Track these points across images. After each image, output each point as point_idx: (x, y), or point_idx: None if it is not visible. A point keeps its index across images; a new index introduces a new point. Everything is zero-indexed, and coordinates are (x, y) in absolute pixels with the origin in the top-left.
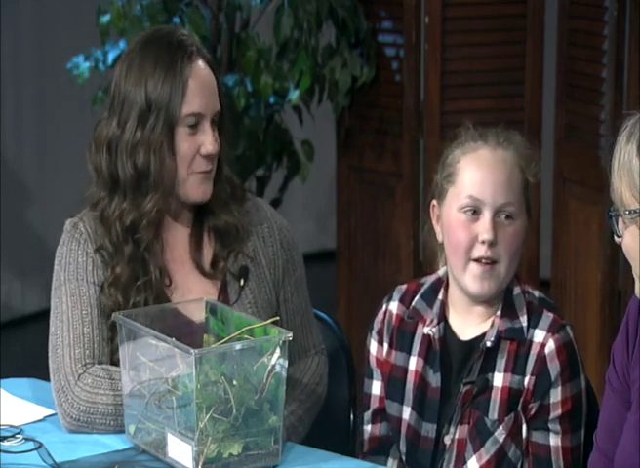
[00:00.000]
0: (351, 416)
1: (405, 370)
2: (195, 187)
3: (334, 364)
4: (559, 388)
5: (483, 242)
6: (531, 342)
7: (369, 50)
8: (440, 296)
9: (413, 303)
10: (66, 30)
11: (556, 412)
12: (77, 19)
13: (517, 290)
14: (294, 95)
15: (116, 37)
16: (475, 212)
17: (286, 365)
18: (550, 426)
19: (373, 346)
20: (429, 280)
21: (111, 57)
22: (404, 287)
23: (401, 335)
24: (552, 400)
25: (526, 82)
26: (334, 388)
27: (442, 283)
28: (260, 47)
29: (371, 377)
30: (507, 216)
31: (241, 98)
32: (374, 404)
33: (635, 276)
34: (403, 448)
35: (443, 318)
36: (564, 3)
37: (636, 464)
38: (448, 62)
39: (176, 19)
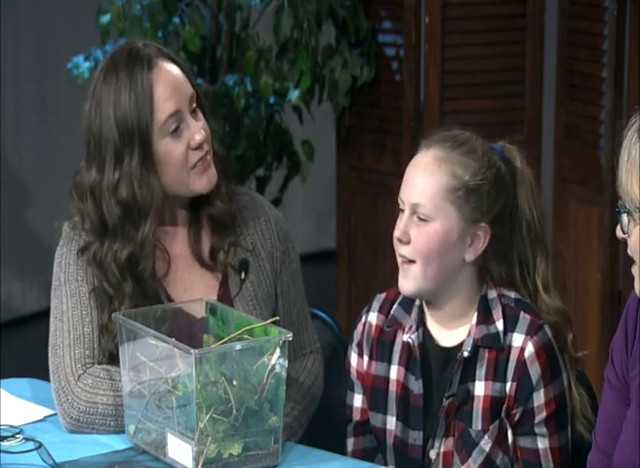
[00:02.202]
0: None
1: (386, 380)
2: (199, 180)
3: (333, 363)
4: (542, 391)
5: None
6: (510, 347)
7: (369, 50)
8: (417, 302)
9: (392, 311)
10: (66, 30)
11: (541, 415)
12: (77, 19)
13: (492, 293)
14: (294, 95)
15: (116, 37)
16: (404, 210)
17: (286, 365)
18: (537, 430)
19: (353, 358)
20: None
21: None
22: (383, 295)
23: (381, 346)
24: (536, 404)
25: (526, 82)
26: (333, 388)
27: None
28: (260, 47)
29: (352, 390)
30: (420, 218)
31: (241, 98)
32: (355, 416)
33: (636, 274)
34: (391, 458)
35: (422, 323)
36: (564, 3)
37: (636, 461)
38: (448, 62)
39: (176, 19)
